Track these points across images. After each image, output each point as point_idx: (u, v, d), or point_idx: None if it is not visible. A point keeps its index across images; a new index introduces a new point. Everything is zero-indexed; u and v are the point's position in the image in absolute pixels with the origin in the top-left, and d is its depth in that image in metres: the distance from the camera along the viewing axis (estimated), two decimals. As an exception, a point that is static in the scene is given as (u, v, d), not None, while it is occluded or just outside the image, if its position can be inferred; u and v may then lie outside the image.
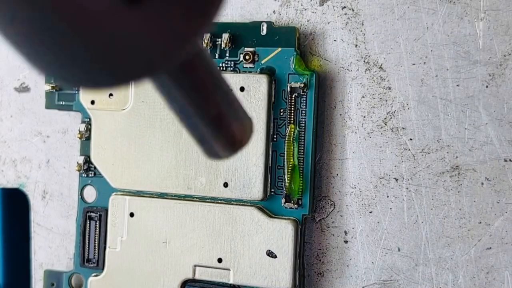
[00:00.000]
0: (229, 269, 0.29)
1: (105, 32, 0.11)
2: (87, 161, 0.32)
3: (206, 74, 0.14)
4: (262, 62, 0.29)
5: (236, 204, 0.30)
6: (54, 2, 0.10)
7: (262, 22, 0.29)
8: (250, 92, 0.29)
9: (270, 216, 0.29)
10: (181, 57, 0.12)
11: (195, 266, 0.30)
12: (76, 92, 0.33)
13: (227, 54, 0.30)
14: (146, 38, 0.11)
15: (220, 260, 0.30)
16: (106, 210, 0.32)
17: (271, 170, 0.29)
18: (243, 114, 0.16)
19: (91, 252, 0.32)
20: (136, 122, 0.31)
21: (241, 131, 0.15)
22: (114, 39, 0.11)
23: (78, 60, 0.11)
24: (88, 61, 0.11)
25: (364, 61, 0.29)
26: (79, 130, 0.32)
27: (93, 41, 0.11)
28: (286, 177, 0.29)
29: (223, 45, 0.30)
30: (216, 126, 0.15)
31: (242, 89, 0.29)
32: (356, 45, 0.29)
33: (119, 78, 0.12)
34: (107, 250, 0.31)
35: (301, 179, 0.29)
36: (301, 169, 0.29)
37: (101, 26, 0.11)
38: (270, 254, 0.29)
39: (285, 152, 0.29)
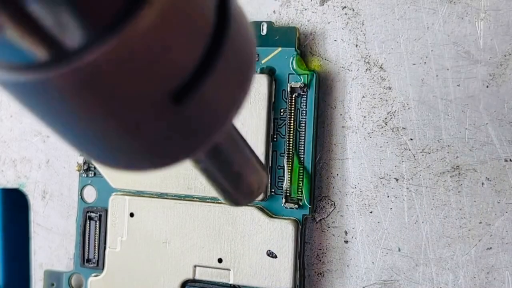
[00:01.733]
0: (229, 269, 0.29)
1: (155, 128, 0.12)
2: (87, 161, 0.32)
3: (232, 148, 0.17)
4: (262, 62, 0.29)
5: (236, 204, 0.30)
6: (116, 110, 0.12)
7: (262, 22, 0.29)
8: (251, 92, 0.29)
9: (270, 216, 0.29)
10: (214, 142, 0.14)
11: (195, 266, 0.30)
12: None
13: (227, 54, 0.30)
14: (188, 129, 0.13)
15: (220, 260, 0.29)
16: (106, 210, 0.32)
17: (271, 170, 0.29)
18: (259, 168, 0.19)
19: (91, 252, 0.32)
20: (136, 122, 0.31)
21: (257, 184, 0.19)
22: (161, 132, 0.13)
23: (132, 151, 0.13)
24: (138, 152, 0.13)
25: (365, 61, 0.29)
26: (79, 130, 0.32)
27: (143, 136, 0.13)
28: (286, 179, 0.29)
29: (223, 45, 0.30)
30: (236, 182, 0.18)
31: (242, 89, 0.29)
32: (356, 45, 0.29)
33: (164, 163, 0.14)
34: (107, 250, 0.31)
35: (301, 179, 0.29)
36: (301, 169, 0.29)
37: (153, 124, 0.12)
38: (271, 254, 0.29)
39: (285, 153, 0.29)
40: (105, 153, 0.13)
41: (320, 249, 0.30)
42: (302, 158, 0.29)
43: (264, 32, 0.29)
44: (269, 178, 0.29)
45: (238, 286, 0.30)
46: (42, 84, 0.11)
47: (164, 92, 0.12)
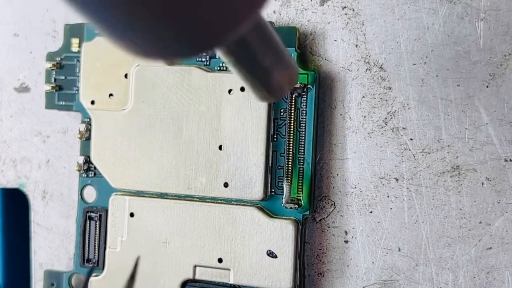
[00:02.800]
0: (229, 269, 0.29)
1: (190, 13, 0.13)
2: (87, 161, 0.32)
3: (263, 40, 0.18)
4: (263, 62, 0.29)
5: (236, 204, 0.30)
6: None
7: (262, 22, 0.29)
8: (251, 92, 0.29)
9: (271, 216, 0.29)
10: (244, 30, 0.15)
11: (195, 266, 0.30)
12: (76, 92, 0.33)
13: (228, 54, 0.30)
14: (219, 13, 0.14)
15: (220, 260, 0.29)
16: (106, 210, 0.32)
17: (272, 170, 0.29)
18: (290, 62, 0.19)
19: (91, 252, 0.32)
20: (136, 122, 0.31)
21: (288, 77, 0.19)
22: (195, 15, 0.13)
23: (168, 37, 0.14)
24: (174, 37, 0.14)
25: (365, 61, 0.29)
26: (79, 130, 0.32)
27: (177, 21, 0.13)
28: (285, 183, 0.29)
29: (223, 45, 0.30)
30: (267, 75, 0.18)
31: (242, 89, 0.29)
32: (356, 45, 0.29)
33: (202, 45, 0.15)
34: (107, 250, 0.31)
35: (301, 179, 0.29)
36: (301, 169, 0.29)
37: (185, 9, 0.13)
38: (271, 254, 0.29)
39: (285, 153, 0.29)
40: (138, 40, 0.14)
41: (320, 249, 0.30)
42: (302, 158, 0.29)
43: None
44: (269, 178, 0.29)
45: (238, 286, 0.30)
46: None
47: None
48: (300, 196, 0.29)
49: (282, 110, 0.29)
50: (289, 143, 0.29)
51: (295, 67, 0.20)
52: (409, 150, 0.28)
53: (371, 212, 0.29)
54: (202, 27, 0.14)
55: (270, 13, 0.30)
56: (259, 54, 0.18)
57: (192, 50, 0.15)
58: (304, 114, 0.29)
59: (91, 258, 0.32)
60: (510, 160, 0.27)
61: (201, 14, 0.13)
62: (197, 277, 0.30)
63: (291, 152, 0.29)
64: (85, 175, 0.33)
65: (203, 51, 0.15)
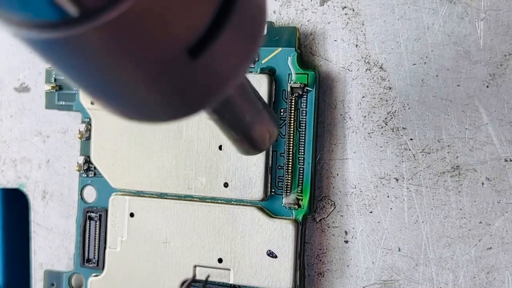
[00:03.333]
0: (229, 269, 0.29)
1: (174, 81, 0.14)
2: (87, 161, 0.32)
3: (245, 99, 0.18)
4: (263, 62, 0.29)
5: (236, 204, 0.30)
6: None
7: (262, 22, 0.29)
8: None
9: (271, 216, 0.29)
10: (227, 93, 0.15)
11: (195, 266, 0.30)
12: (76, 92, 0.33)
13: (228, 54, 0.30)
14: (203, 82, 0.14)
15: (220, 260, 0.29)
16: (106, 210, 0.32)
17: (271, 170, 0.29)
18: (270, 119, 0.20)
19: (91, 252, 0.32)
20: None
21: (268, 134, 0.20)
22: (179, 84, 0.14)
23: (152, 102, 0.14)
24: (159, 102, 0.14)
25: (365, 61, 0.29)
26: (79, 130, 0.32)
27: (164, 88, 0.14)
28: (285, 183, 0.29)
29: (223, 45, 0.30)
30: (248, 132, 0.19)
31: (242, 89, 0.29)
32: (356, 45, 0.29)
33: (181, 113, 0.15)
34: (107, 250, 0.31)
35: (301, 179, 0.29)
36: (301, 169, 0.29)
37: (172, 76, 0.13)
38: (271, 254, 0.29)
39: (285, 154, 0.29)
40: (128, 105, 0.15)
41: (320, 249, 0.30)
42: (302, 158, 0.29)
43: (264, 32, 0.29)
44: (269, 178, 0.29)
45: (238, 286, 0.30)
46: (71, 40, 0.12)
47: (181, 47, 0.13)
48: (300, 196, 0.29)
49: (282, 110, 0.29)
50: (289, 143, 0.29)
51: (275, 120, 0.21)
52: (409, 150, 0.28)
53: (371, 212, 0.29)
54: (187, 98, 0.14)
55: (270, 13, 0.30)
56: (241, 111, 0.19)
57: (176, 117, 0.15)
58: (304, 114, 0.29)
59: (91, 258, 0.32)
60: (510, 160, 0.27)
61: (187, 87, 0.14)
62: (197, 277, 0.30)
63: (291, 152, 0.29)
64: (85, 175, 0.33)
65: (187, 116, 0.15)
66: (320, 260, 0.30)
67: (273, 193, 0.29)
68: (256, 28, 0.15)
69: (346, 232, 0.29)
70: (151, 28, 0.12)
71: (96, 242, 0.32)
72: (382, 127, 0.29)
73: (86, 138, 0.32)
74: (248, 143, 0.20)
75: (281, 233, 0.29)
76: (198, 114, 0.15)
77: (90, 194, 0.33)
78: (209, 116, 0.18)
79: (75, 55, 0.12)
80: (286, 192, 0.29)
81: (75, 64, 0.13)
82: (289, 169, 0.29)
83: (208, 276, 0.29)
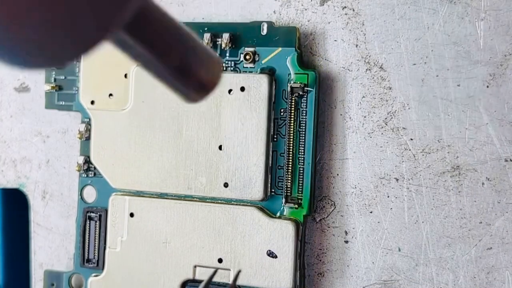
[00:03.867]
0: (229, 269, 0.29)
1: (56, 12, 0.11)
2: (87, 161, 0.32)
3: (160, 26, 0.15)
4: (263, 62, 0.29)
5: (236, 204, 0.30)
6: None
7: (262, 22, 0.29)
8: (251, 92, 0.29)
9: (271, 216, 0.29)
10: (127, 14, 0.12)
11: (195, 266, 0.30)
12: (76, 92, 0.33)
13: (228, 54, 0.30)
14: (92, 5, 0.11)
15: (220, 261, 0.29)
16: (106, 210, 0.32)
17: (272, 170, 0.29)
18: (208, 56, 0.16)
19: (91, 252, 0.32)
20: (136, 122, 0.31)
21: (207, 75, 0.16)
22: (64, 14, 0.11)
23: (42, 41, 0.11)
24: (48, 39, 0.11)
25: (365, 61, 0.29)
26: (79, 130, 0.32)
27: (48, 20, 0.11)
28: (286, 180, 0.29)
29: (223, 45, 0.30)
30: (181, 75, 0.15)
31: (242, 89, 0.29)
32: (356, 45, 0.29)
33: (80, 47, 0.12)
34: (107, 250, 0.31)
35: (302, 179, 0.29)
36: (301, 169, 0.29)
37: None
38: (271, 254, 0.29)
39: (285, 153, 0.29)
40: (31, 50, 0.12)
41: (320, 249, 0.30)
42: (302, 158, 0.29)
43: (265, 32, 0.29)
44: (269, 178, 0.29)
45: (238, 286, 0.30)
46: None
47: None
48: (300, 196, 0.29)
49: (282, 110, 0.29)
50: (289, 143, 0.29)
51: (215, 55, 0.17)
52: (409, 150, 0.28)
53: (371, 212, 0.29)
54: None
55: (270, 13, 0.30)
56: (161, 40, 0.15)
57: (78, 50, 0.12)
58: (304, 114, 0.29)
59: (91, 258, 0.32)
60: (510, 160, 0.27)
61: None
62: (197, 277, 0.30)
63: (291, 152, 0.29)
64: (85, 175, 0.33)
65: (90, 48, 0.12)
66: (320, 260, 0.30)
67: (273, 193, 0.29)
68: None
69: (346, 232, 0.29)
70: None
71: (96, 242, 0.32)
72: (382, 127, 0.29)
73: (86, 138, 0.32)
74: (187, 84, 0.16)
75: (281, 233, 0.29)
76: (100, 44, 0.12)
77: (90, 194, 0.33)
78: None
79: None
80: (286, 192, 0.29)
81: None
82: (289, 169, 0.29)
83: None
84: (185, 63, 0.15)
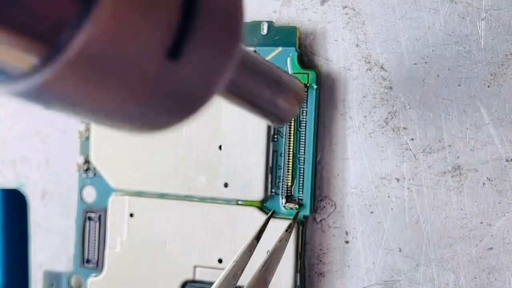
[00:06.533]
0: (229, 270, 0.29)
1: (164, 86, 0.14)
2: (87, 161, 0.32)
3: (254, 76, 0.18)
4: (263, 61, 0.29)
5: (236, 204, 0.29)
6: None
7: (262, 21, 0.29)
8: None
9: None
10: (220, 86, 0.15)
11: (195, 266, 0.30)
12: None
13: (228, 54, 0.30)
14: (193, 78, 0.14)
15: (220, 261, 0.29)
16: (106, 210, 0.32)
17: (271, 170, 0.29)
18: (290, 85, 0.20)
19: (90, 252, 0.32)
20: (136, 122, 0.31)
21: (292, 102, 0.20)
22: (172, 88, 0.14)
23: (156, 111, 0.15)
24: (159, 110, 0.15)
25: (365, 60, 0.29)
26: (78, 130, 0.32)
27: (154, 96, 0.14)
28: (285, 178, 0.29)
29: (223, 45, 0.30)
30: (272, 107, 0.19)
31: (242, 88, 0.29)
32: (357, 45, 0.29)
33: (186, 113, 0.15)
34: (107, 250, 0.31)
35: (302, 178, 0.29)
36: (301, 169, 0.29)
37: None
38: (271, 254, 0.29)
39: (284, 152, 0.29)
40: (132, 121, 0.15)
41: (321, 250, 0.30)
42: (302, 158, 0.29)
43: (265, 31, 0.29)
44: (269, 178, 0.29)
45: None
46: (42, 89, 0.12)
47: (158, 53, 0.13)
48: (300, 196, 0.29)
49: (282, 110, 0.29)
50: (289, 143, 0.29)
51: (297, 85, 0.20)
52: (410, 150, 0.28)
53: (371, 212, 0.29)
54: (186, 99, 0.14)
55: (271, 12, 0.30)
56: (256, 89, 0.18)
57: (178, 121, 0.16)
58: (305, 114, 0.29)
59: (90, 258, 0.32)
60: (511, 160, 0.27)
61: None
62: (197, 277, 0.30)
63: (291, 152, 0.29)
64: (85, 175, 0.33)
65: (189, 117, 0.15)
66: (321, 261, 0.30)
67: (273, 193, 0.29)
68: (232, 18, 0.15)
69: (346, 233, 0.29)
70: (116, 51, 0.12)
71: (96, 243, 0.32)
72: (383, 127, 0.28)
73: (85, 138, 0.32)
74: (277, 115, 0.20)
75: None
76: (198, 113, 0.15)
77: (90, 194, 0.33)
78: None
79: (55, 98, 0.13)
80: (287, 192, 0.29)
81: (63, 104, 0.13)
82: (289, 169, 0.29)
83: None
84: (275, 94, 0.19)
